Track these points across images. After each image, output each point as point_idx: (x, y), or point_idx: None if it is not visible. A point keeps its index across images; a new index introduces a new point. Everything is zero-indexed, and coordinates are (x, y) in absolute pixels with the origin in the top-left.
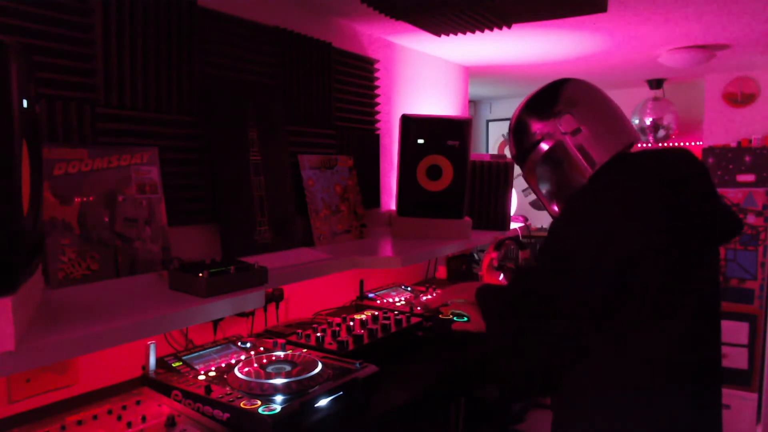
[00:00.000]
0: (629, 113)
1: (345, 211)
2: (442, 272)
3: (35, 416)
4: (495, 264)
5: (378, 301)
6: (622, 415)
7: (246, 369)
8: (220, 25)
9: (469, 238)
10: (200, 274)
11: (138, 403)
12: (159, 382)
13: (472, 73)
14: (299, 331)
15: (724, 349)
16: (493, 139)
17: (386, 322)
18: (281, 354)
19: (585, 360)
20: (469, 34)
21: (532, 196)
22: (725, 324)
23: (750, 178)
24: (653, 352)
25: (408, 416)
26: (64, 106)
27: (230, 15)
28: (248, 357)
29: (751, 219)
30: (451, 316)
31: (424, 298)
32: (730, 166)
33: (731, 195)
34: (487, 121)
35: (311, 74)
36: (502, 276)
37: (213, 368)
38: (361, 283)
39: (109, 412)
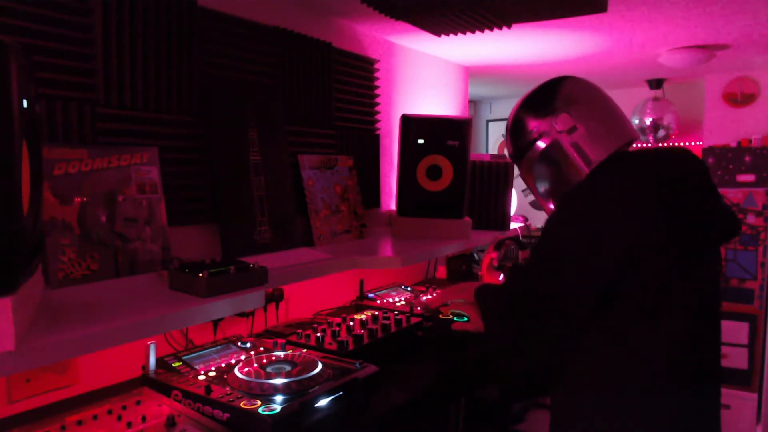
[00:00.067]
0: (629, 113)
1: (345, 211)
2: (442, 272)
3: (35, 416)
4: (495, 264)
5: (378, 301)
6: (621, 415)
7: (246, 369)
8: (220, 25)
9: (469, 238)
10: (200, 274)
11: (138, 403)
12: (159, 382)
13: (472, 73)
14: (299, 331)
15: (724, 349)
16: (493, 139)
17: (386, 322)
18: (281, 354)
19: (584, 359)
20: (469, 34)
21: (532, 196)
22: (725, 324)
23: (750, 178)
24: (652, 352)
25: (408, 416)
26: (64, 106)
27: (230, 15)
28: (248, 357)
29: (751, 219)
30: (451, 316)
31: (424, 298)
32: (730, 166)
33: (731, 195)
34: (487, 121)
35: (311, 74)
36: (502, 276)
37: (213, 368)
38: (361, 283)
39: (109, 412)
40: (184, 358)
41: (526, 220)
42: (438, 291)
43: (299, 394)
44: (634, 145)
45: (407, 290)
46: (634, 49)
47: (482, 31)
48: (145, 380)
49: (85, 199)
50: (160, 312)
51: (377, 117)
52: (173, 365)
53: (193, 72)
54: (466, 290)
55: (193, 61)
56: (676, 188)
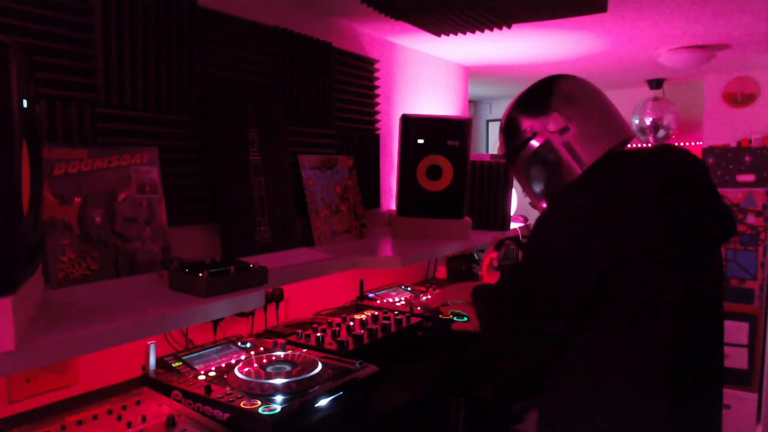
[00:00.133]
0: (629, 113)
1: (345, 211)
2: (442, 272)
3: (35, 416)
4: (495, 264)
5: (378, 301)
6: (621, 415)
7: (246, 369)
8: (220, 25)
9: (469, 238)
10: (200, 274)
11: (138, 403)
12: (159, 382)
13: (472, 73)
14: (299, 331)
15: (724, 349)
16: (493, 139)
17: (386, 322)
18: (281, 354)
19: (580, 359)
20: (469, 34)
21: None
22: (725, 324)
23: (750, 178)
24: (650, 353)
25: (408, 416)
26: (64, 106)
27: (230, 15)
28: (248, 357)
29: (751, 219)
30: (451, 316)
31: (424, 298)
32: (730, 166)
33: (731, 195)
34: (487, 121)
35: (311, 74)
36: None
37: (213, 368)
38: (361, 283)
39: (109, 412)
40: (184, 358)
41: (526, 220)
42: (438, 291)
43: (299, 394)
44: (631, 145)
45: (407, 290)
46: (634, 49)
47: (482, 31)
48: (145, 380)
49: (85, 199)
50: (160, 312)
51: (377, 117)
52: (173, 365)
53: (193, 72)
54: (464, 290)
55: (193, 61)
56: (676, 188)
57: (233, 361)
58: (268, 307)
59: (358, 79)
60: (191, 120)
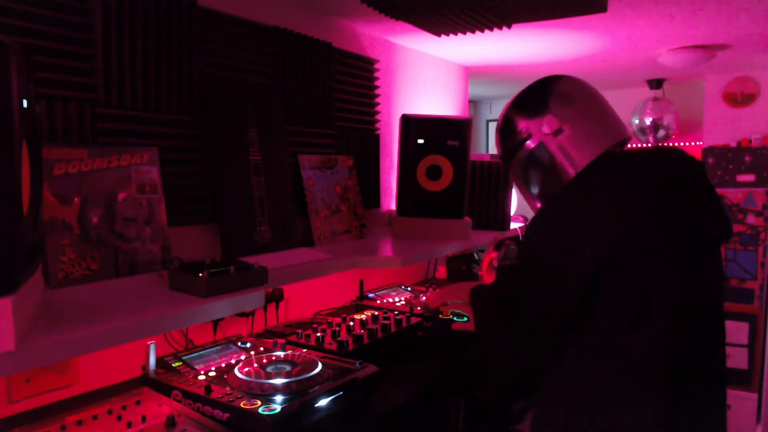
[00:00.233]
0: (629, 113)
1: (345, 211)
2: (442, 272)
3: (35, 416)
4: (495, 264)
5: (378, 301)
6: (621, 415)
7: (246, 369)
8: (220, 25)
9: (469, 238)
10: (200, 274)
11: (138, 403)
12: (159, 382)
13: (472, 73)
14: (299, 331)
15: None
16: (492, 139)
17: (386, 322)
18: (281, 354)
19: (578, 360)
20: (469, 34)
21: None
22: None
23: (750, 178)
24: (650, 353)
25: (408, 416)
26: (64, 106)
27: (230, 15)
28: (248, 357)
29: (751, 219)
30: (451, 316)
31: (424, 298)
32: (730, 166)
33: (731, 195)
34: (487, 121)
35: (311, 74)
36: None
37: (213, 368)
38: (361, 283)
39: (109, 412)
40: (184, 358)
41: (526, 220)
42: (437, 291)
43: (299, 394)
44: (631, 145)
45: (407, 290)
46: (634, 49)
47: (482, 31)
48: (145, 380)
49: (85, 199)
50: (160, 312)
51: (377, 117)
52: (173, 365)
53: (193, 72)
54: (463, 290)
55: (193, 61)
56: (676, 188)
57: (233, 361)
58: (268, 307)
59: (358, 79)
60: (191, 120)
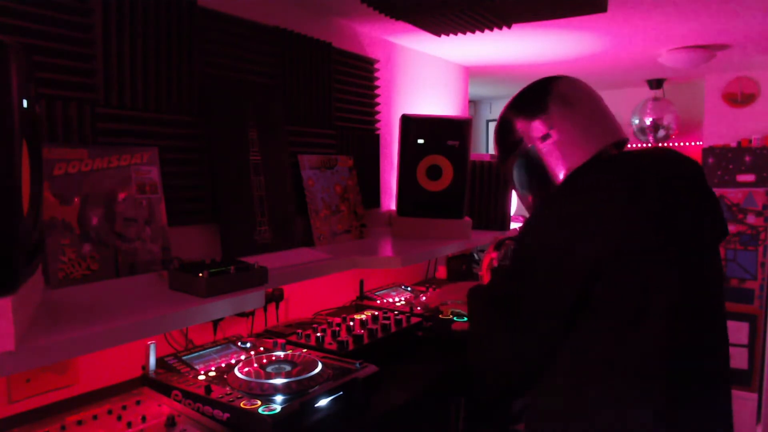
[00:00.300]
0: (629, 113)
1: (345, 211)
2: (442, 272)
3: (35, 416)
4: (495, 264)
5: (378, 301)
6: (621, 415)
7: (246, 369)
8: (220, 25)
9: (469, 238)
10: (200, 274)
11: (138, 403)
12: (159, 382)
13: (472, 73)
14: (299, 331)
15: None
16: (492, 139)
17: (386, 322)
18: (281, 354)
19: (577, 360)
20: (469, 34)
21: None
22: None
23: (750, 178)
24: (651, 353)
25: (408, 416)
26: (64, 106)
27: (230, 15)
28: (248, 357)
29: (751, 219)
30: (451, 316)
31: (424, 298)
32: (730, 166)
33: (731, 195)
34: (487, 121)
35: (311, 74)
36: None
37: (213, 368)
38: (361, 283)
39: (109, 412)
40: (184, 358)
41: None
42: (436, 291)
43: (299, 394)
44: (631, 145)
45: (407, 290)
46: (634, 49)
47: (482, 31)
48: (145, 380)
49: (85, 199)
50: (160, 312)
51: (377, 117)
52: (173, 365)
53: (193, 72)
54: (462, 290)
55: (193, 61)
56: (676, 188)
57: (233, 361)
58: (268, 307)
59: (358, 79)
60: (191, 120)
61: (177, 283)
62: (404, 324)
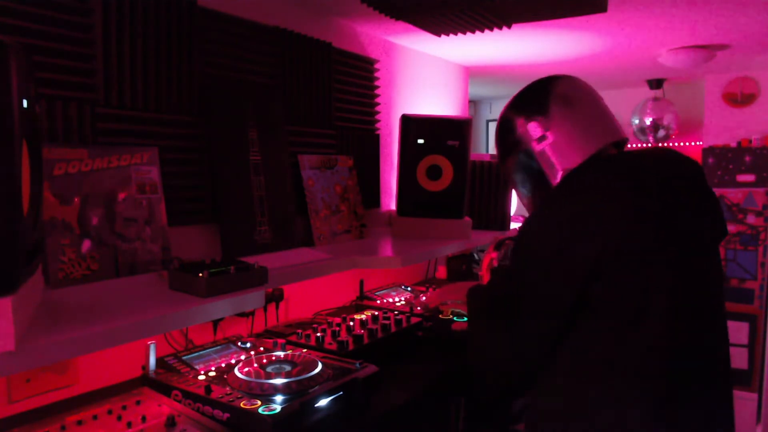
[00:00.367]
0: (629, 113)
1: (345, 211)
2: (442, 272)
3: (35, 416)
4: (495, 264)
5: (378, 301)
6: (621, 415)
7: (246, 369)
8: (220, 25)
9: (469, 238)
10: (200, 274)
11: (138, 403)
12: (159, 382)
13: (472, 73)
14: (299, 331)
15: None
16: (492, 139)
17: (386, 322)
18: (281, 354)
19: (579, 360)
20: (469, 34)
21: None
22: None
23: (750, 178)
24: (651, 353)
25: (408, 416)
26: (64, 106)
27: (230, 15)
28: (248, 357)
29: (751, 219)
30: (451, 316)
31: (424, 298)
32: (730, 166)
33: (731, 195)
34: (487, 121)
35: (311, 74)
36: None
37: (213, 368)
38: (361, 283)
39: (109, 412)
40: (184, 358)
41: None
42: (436, 291)
43: (299, 394)
44: (631, 145)
45: (407, 290)
46: (634, 49)
47: (482, 31)
48: (145, 380)
49: (85, 199)
50: (160, 312)
51: (377, 117)
52: (173, 365)
53: (193, 72)
54: (461, 289)
55: (193, 61)
56: (676, 188)
57: (233, 361)
58: (268, 307)
59: (358, 79)
60: (191, 120)
61: (177, 283)
62: (404, 324)
